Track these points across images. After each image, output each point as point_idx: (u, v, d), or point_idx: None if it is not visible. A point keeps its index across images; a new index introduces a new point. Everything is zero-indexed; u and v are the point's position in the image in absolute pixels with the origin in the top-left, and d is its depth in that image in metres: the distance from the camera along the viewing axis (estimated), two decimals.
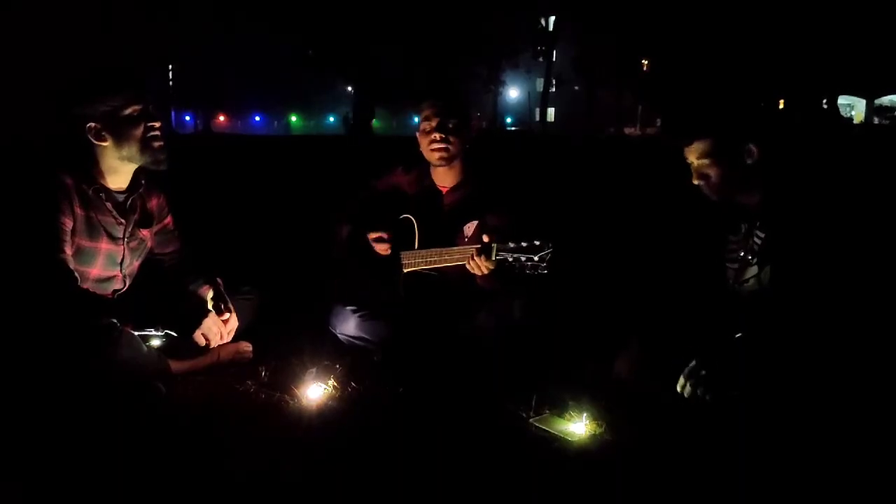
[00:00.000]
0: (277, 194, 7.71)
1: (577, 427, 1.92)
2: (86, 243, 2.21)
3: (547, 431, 1.92)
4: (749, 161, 2.04)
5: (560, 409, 2.02)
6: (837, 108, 32.30)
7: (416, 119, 3.19)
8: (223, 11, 31.43)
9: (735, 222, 2.19)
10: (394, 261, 2.57)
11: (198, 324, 2.28)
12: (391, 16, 28.27)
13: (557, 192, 7.53)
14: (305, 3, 28.70)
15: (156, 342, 2.28)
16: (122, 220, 2.29)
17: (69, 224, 2.14)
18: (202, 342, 2.29)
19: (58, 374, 2.02)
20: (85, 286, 2.19)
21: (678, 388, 1.98)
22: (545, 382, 2.19)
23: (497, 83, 42.22)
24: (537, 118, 44.92)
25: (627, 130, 40.66)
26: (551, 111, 47.16)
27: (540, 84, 43.85)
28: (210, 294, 2.45)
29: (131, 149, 2.20)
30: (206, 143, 20.34)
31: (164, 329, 2.29)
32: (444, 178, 2.68)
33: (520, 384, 2.18)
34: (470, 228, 2.60)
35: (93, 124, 2.15)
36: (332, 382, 2.21)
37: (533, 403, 2.05)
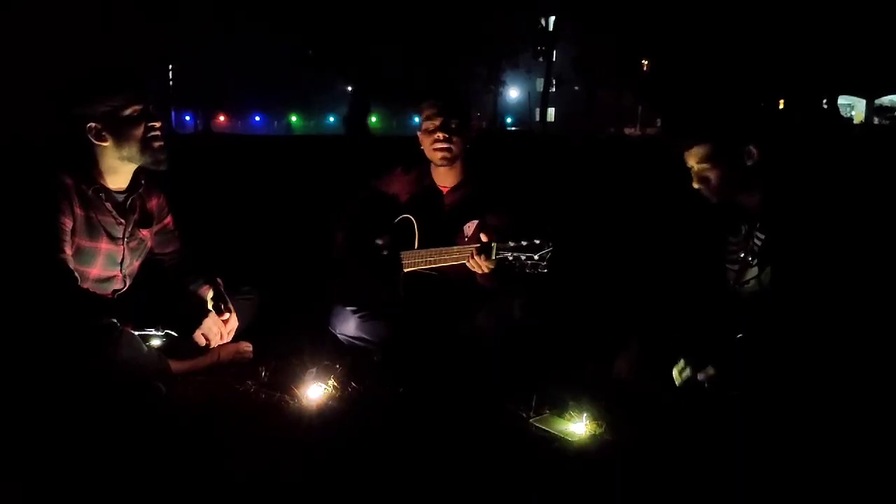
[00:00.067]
0: (277, 194, 7.71)
1: (577, 427, 1.92)
2: (86, 243, 2.21)
3: (547, 431, 1.92)
4: (749, 163, 2.04)
5: (560, 409, 2.02)
6: (837, 108, 32.29)
7: (417, 119, 3.19)
8: (223, 11, 31.43)
9: (735, 223, 2.20)
10: (394, 261, 2.57)
11: (198, 324, 2.28)
12: (391, 16, 28.27)
13: (557, 192, 7.53)
14: (305, 3, 28.71)
15: (156, 342, 2.28)
16: (122, 220, 2.28)
17: (69, 224, 2.14)
18: (202, 342, 2.29)
19: (58, 373, 2.02)
20: (85, 286, 2.19)
21: (675, 373, 1.99)
22: (545, 382, 2.19)
23: (497, 83, 42.21)
24: (537, 118, 44.91)
25: (627, 130, 40.65)
26: (551, 111, 47.16)
27: (540, 84, 43.84)
28: (210, 294, 2.45)
29: (131, 149, 2.20)
30: (206, 143, 20.33)
31: (164, 329, 2.29)
32: (445, 178, 2.68)
33: (520, 384, 2.18)
34: (470, 228, 2.60)
35: (93, 124, 2.15)
36: (332, 382, 2.21)
37: (533, 403, 2.05)
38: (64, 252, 2.11)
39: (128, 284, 2.39)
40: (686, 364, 1.99)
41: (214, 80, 41.58)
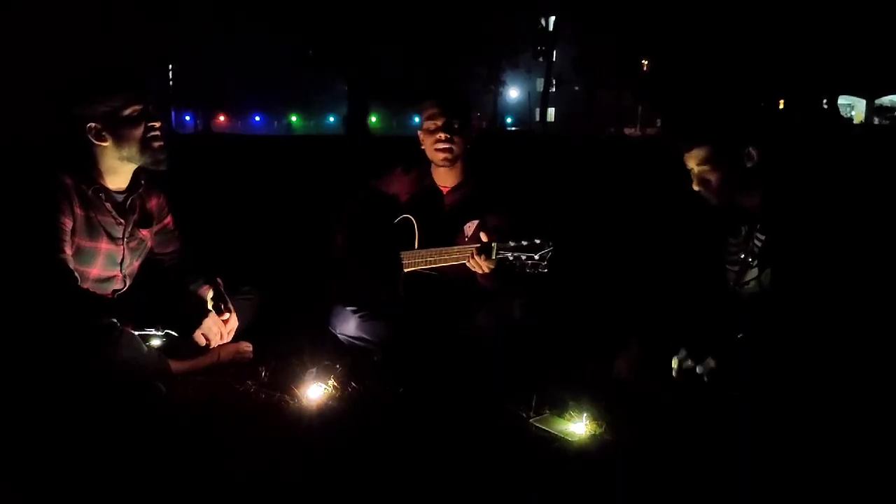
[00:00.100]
0: (277, 194, 7.71)
1: (577, 427, 1.92)
2: (86, 243, 2.21)
3: (547, 431, 1.92)
4: (749, 164, 2.04)
5: (560, 409, 2.02)
6: (837, 108, 32.30)
7: (417, 119, 3.19)
8: (223, 11, 31.41)
9: (735, 224, 2.20)
10: (394, 261, 2.57)
11: (198, 324, 2.28)
12: (391, 16, 28.26)
13: (557, 192, 7.53)
14: (305, 3, 28.70)
15: (156, 342, 2.28)
16: (122, 221, 2.29)
17: (69, 224, 2.14)
18: (202, 342, 2.29)
19: (58, 373, 2.02)
20: (85, 286, 2.19)
21: (674, 363, 1.99)
22: (545, 382, 2.19)
23: (497, 83, 42.20)
24: (537, 118, 44.92)
25: (627, 131, 40.64)
26: (551, 111, 47.16)
27: (540, 84, 43.85)
28: (210, 294, 2.45)
29: (131, 149, 2.20)
30: (206, 143, 20.33)
31: (164, 329, 2.29)
32: (446, 178, 2.68)
33: (520, 384, 2.18)
34: (470, 228, 2.60)
35: (93, 124, 2.15)
36: (332, 382, 2.21)
37: (533, 403, 2.05)
38: (64, 252, 2.11)
39: (128, 284, 2.39)
40: (687, 355, 1.98)
41: (214, 80, 41.59)
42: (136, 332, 2.19)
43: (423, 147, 2.65)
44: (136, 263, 2.41)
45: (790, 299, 1.98)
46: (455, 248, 2.45)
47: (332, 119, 51.32)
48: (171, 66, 40.67)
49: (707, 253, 2.41)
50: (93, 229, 2.22)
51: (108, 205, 2.24)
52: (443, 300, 2.57)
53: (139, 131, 2.18)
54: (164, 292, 2.45)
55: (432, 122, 2.58)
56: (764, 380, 1.96)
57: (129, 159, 2.22)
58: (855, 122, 38.73)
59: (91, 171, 2.21)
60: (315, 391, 2.14)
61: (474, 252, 2.37)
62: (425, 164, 2.70)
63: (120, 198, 2.29)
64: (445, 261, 2.46)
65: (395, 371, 2.36)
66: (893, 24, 26.18)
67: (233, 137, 29.16)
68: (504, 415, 2.04)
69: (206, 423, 2.00)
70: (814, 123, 24.21)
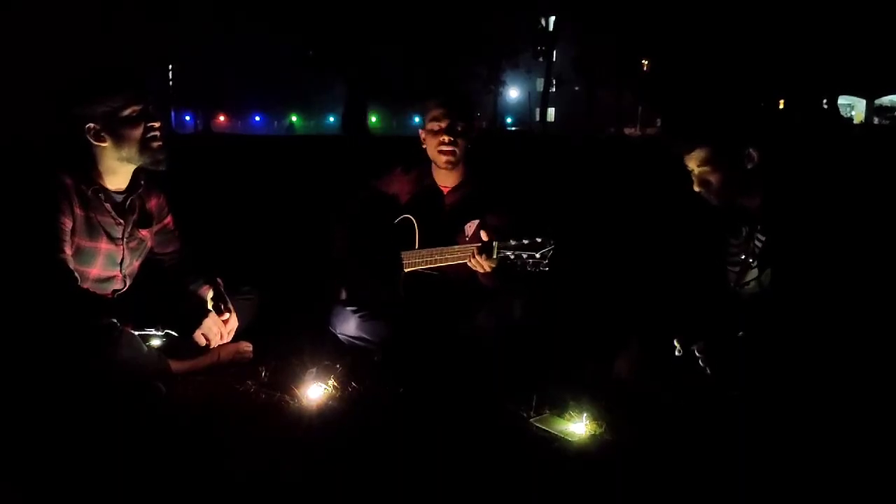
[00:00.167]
0: (277, 194, 7.71)
1: (577, 427, 1.92)
2: (85, 243, 2.21)
3: (547, 431, 1.92)
4: (749, 165, 2.04)
5: (560, 409, 2.02)
6: (837, 108, 32.30)
7: (417, 119, 3.19)
8: (223, 11, 31.43)
9: (736, 225, 2.20)
10: (394, 261, 2.57)
11: (198, 324, 2.28)
12: (391, 16, 28.26)
13: (557, 192, 7.53)
14: (305, 3, 28.70)
15: (156, 342, 2.28)
16: (121, 221, 2.28)
17: (69, 224, 2.14)
18: (202, 342, 2.29)
19: (58, 373, 2.02)
20: (85, 286, 2.19)
21: (675, 344, 2.00)
22: (545, 382, 2.19)
23: (497, 83, 42.20)
24: (537, 118, 44.91)
25: (627, 131, 40.64)
26: (551, 111, 47.15)
27: (540, 84, 43.84)
28: (210, 294, 2.45)
29: (130, 149, 2.19)
30: (206, 143, 20.32)
31: (164, 329, 2.29)
32: (446, 179, 2.68)
33: (520, 384, 2.18)
34: (470, 228, 2.60)
35: (92, 125, 2.15)
36: (332, 382, 2.21)
37: (533, 403, 2.05)
38: (64, 252, 2.11)
39: (128, 284, 2.39)
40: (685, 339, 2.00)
41: (214, 80, 41.57)
42: (136, 332, 2.18)
43: (424, 146, 2.65)
44: (136, 263, 2.41)
45: (790, 300, 1.98)
46: (456, 247, 2.45)
47: (332, 119, 51.30)
48: (171, 66, 40.67)
49: (707, 253, 2.41)
50: (92, 229, 2.22)
51: (107, 205, 2.24)
52: (443, 300, 2.56)
53: (138, 132, 2.18)
54: (164, 292, 2.45)
55: (436, 123, 2.57)
56: (764, 380, 1.96)
57: (129, 160, 2.22)
58: (855, 122, 38.73)
59: (91, 172, 2.21)
60: (315, 391, 2.14)
61: (475, 251, 2.37)
62: (425, 164, 2.70)
63: (119, 198, 2.29)
64: (446, 260, 2.46)
65: (395, 371, 2.36)
66: (893, 24, 26.17)
67: (233, 137, 29.15)
68: (504, 415, 2.04)
69: (206, 423, 2.00)
70: (814, 123, 24.21)
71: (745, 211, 2.13)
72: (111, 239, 2.27)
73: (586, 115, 41.11)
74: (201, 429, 1.96)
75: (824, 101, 30.46)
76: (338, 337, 2.63)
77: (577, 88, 45.02)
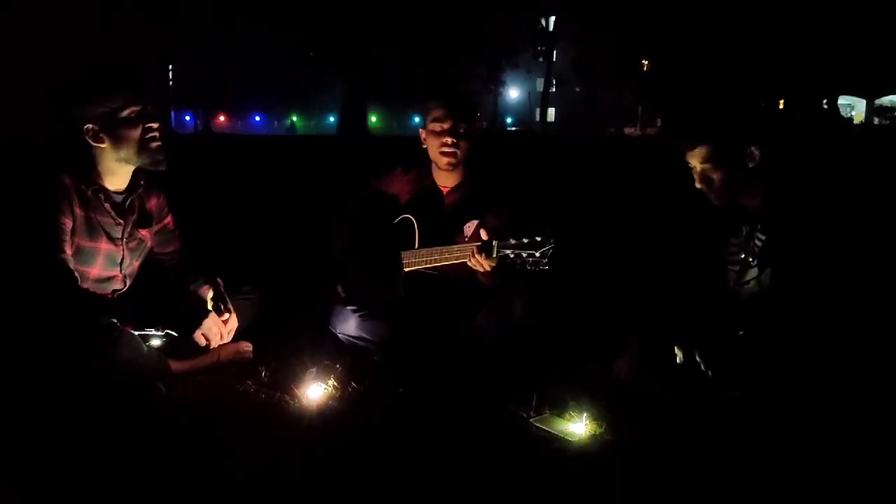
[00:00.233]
0: (277, 194, 7.71)
1: (577, 427, 1.92)
2: (85, 243, 2.21)
3: (547, 431, 1.92)
4: (751, 164, 2.05)
5: (560, 409, 2.02)
6: (837, 108, 32.30)
7: (417, 119, 3.19)
8: (223, 11, 31.41)
9: (736, 224, 2.20)
10: (394, 261, 2.57)
11: (198, 324, 2.28)
12: (391, 16, 28.25)
13: (557, 192, 7.53)
14: (305, 3, 28.69)
15: (156, 342, 2.28)
16: (121, 221, 2.28)
17: (69, 224, 2.14)
18: (202, 342, 2.29)
19: (58, 373, 2.02)
20: (85, 286, 2.19)
21: (677, 352, 2.00)
22: (545, 382, 2.19)
23: (497, 83, 42.17)
24: (537, 118, 44.90)
25: (627, 130, 40.62)
26: (551, 111, 47.13)
27: (540, 84, 43.83)
28: (210, 294, 2.45)
29: (129, 150, 2.19)
30: (206, 143, 20.32)
31: (164, 329, 2.29)
32: (446, 179, 2.68)
33: (520, 384, 2.18)
34: (470, 228, 2.60)
35: (90, 126, 2.15)
36: (332, 382, 2.21)
37: (533, 403, 2.05)
38: (64, 252, 2.11)
39: (128, 284, 2.39)
40: (690, 349, 2.00)
41: (214, 80, 41.54)
42: (136, 332, 2.19)
43: (424, 146, 2.65)
44: (136, 263, 2.41)
45: (790, 299, 1.98)
46: (456, 247, 2.45)
47: (332, 119, 51.25)
48: (171, 66, 40.66)
49: (708, 252, 2.41)
50: (92, 229, 2.22)
51: (107, 205, 2.24)
52: (443, 300, 2.56)
53: (136, 132, 2.18)
54: (164, 292, 2.45)
55: (438, 124, 2.56)
56: (764, 380, 1.96)
57: (127, 160, 2.22)
58: (855, 122, 38.73)
59: (90, 172, 2.21)
60: (315, 391, 2.14)
61: (475, 250, 2.37)
62: (425, 164, 2.70)
63: (119, 198, 2.29)
64: (446, 260, 2.46)
65: (395, 371, 2.36)
66: (893, 24, 26.17)
67: (233, 137, 29.15)
68: (504, 415, 2.04)
69: (206, 423, 2.00)
70: (814, 123, 24.21)
71: (745, 210, 2.13)
72: (111, 239, 2.27)
73: (586, 115, 41.09)
74: (201, 429, 1.96)
75: (824, 101, 30.45)
76: (338, 337, 2.63)
77: (577, 89, 45.01)
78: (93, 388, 2.02)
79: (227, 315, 2.43)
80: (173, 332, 2.29)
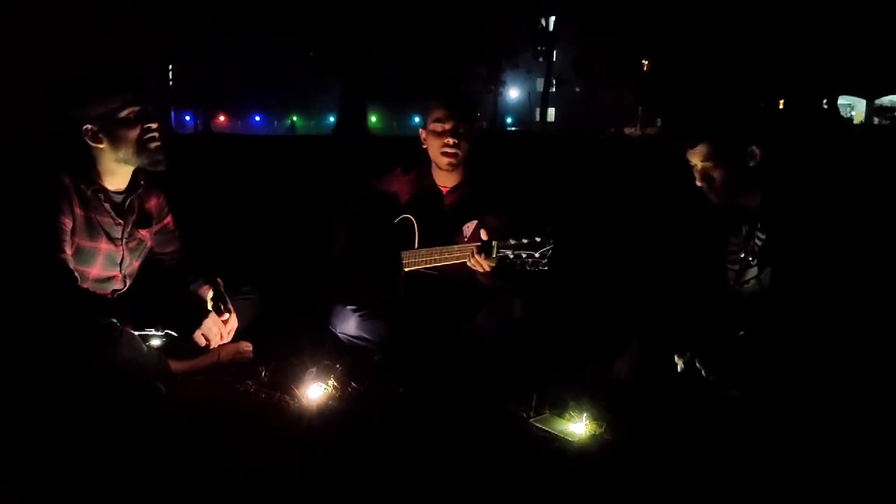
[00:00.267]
0: (277, 194, 7.71)
1: (577, 427, 1.92)
2: (85, 243, 2.21)
3: (547, 431, 1.92)
4: (752, 163, 2.05)
5: (560, 409, 2.02)
6: (837, 108, 32.30)
7: (417, 119, 3.19)
8: (223, 11, 31.41)
9: (736, 224, 2.20)
10: (394, 261, 2.57)
11: (198, 324, 2.28)
12: (391, 16, 28.25)
13: (557, 191, 7.53)
14: (305, 3, 28.69)
15: (156, 342, 2.28)
16: (120, 221, 2.28)
17: (69, 224, 2.14)
18: (202, 342, 2.29)
19: (58, 373, 2.02)
20: (85, 286, 2.19)
21: (676, 360, 1.99)
22: (545, 382, 2.19)
23: (497, 83, 42.18)
24: (537, 118, 44.90)
25: (627, 130, 40.63)
26: (551, 111, 47.13)
27: (540, 84, 43.83)
28: (210, 294, 2.45)
29: (127, 151, 2.19)
30: (206, 143, 20.32)
31: (164, 329, 2.29)
32: (446, 179, 2.68)
33: (520, 384, 2.18)
34: (469, 228, 2.60)
35: (89, 126, 2.15)
36: (332, 382, 2.21)
37: (533, 403, 2.05)
38: (64, 252, 2.11)
39: (128, 284, 2.39)
40: (691, 355, 2.00)
41: (214, 80, 41.54)
42: (136, 332, 2.18)
43: (424, 146, 2.65)
44: (136, 263, 2.41)
45: (790, 298, 1.98)
46: (455, 247, 2.45)
47: (332, 119, 51.24)
48: (171, 66, 40.66)
49: (707, 252, 2.41)
50: (92, 229, 2.22)
51: (106, 205, 2.24)
52: (443, 300, 2.56)
53: (135, 133, 2.18)
54: (164, 292, 2.45)
55: (439, 124, 2.56)
56: (764, 379, 1.96)
57: (126, 161, 2.22)
58: (855, 122, 38.74)
59: (90, 172, 2.21)
60: (315, 391, 2.14)
61: (475, 251, 2.37)
62: (425, 164, 2.70)
63: (119, 198, 2.29)
64: (446, 260, 2.46)
65: (395, 371, 2.36)
66: (893, 24, 26.17)
67: (233, 137, 29.15)
68: (504, 415, 2.04)
69: (206, 423, 2.00)
70: (814, 123, 24.21)
71: (745, 209, 2.13)
72: (111, 239, 2.27)
73: (586, 115, 41.08)
74: (201, 429, 1.96)
75: (824, 101, 30.45)
76: (338, 337, 2.63)
77: (577, 89, 45.01)
78: (93, 388, 2.02)
79: (227, 315, 2.42)
80: (173, 332, 2.29)
